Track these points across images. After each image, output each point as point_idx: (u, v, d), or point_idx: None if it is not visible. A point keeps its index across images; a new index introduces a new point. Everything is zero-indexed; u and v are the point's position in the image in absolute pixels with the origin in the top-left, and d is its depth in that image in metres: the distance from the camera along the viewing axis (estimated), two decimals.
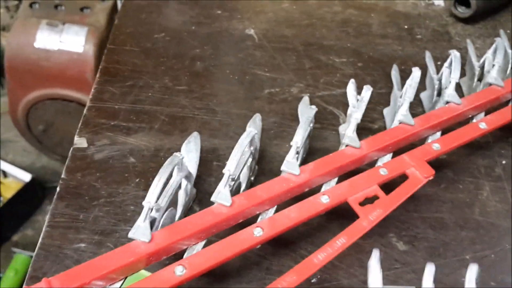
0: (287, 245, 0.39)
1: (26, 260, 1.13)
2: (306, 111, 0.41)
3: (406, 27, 0.64)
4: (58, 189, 0.40)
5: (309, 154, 0.46)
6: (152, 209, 0.32)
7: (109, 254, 0.30)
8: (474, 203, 0.45)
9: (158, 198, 0.32)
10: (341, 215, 0.40)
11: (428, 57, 0.53)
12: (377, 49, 0.59)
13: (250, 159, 0.39)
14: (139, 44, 0.54)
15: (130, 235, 0.31)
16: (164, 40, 0.55)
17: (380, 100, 0.53)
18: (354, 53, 0.58)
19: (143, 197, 0.33)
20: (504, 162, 0.49)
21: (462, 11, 0.67)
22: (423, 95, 0.53)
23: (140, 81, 0.50)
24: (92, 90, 0.48)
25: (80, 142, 0.44)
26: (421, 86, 0.54)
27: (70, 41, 1.52)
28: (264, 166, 0.45)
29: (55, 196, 0.40)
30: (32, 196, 1.42)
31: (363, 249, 0.40)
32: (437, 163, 0.47)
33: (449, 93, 0.44)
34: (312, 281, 0.38)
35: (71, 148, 0.43)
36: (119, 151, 0.44)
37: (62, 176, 0.41)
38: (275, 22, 0.61)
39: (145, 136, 0.45)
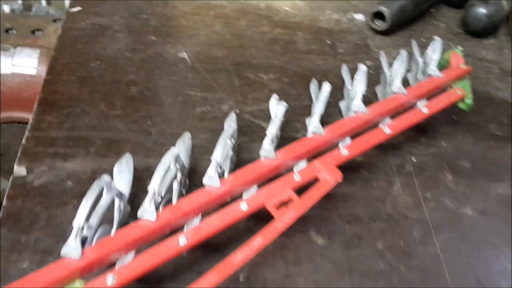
0: (217, 249, 0.44)
1: None
2: (227, 129, 0.45)
3: (329, 42, 0.70)
4: (0, 214, 0.43)
5: (238, 166, 0.50)
6: (83, 228, 0.35)
7: (45, 269, 0.33)
8: (386, 198, 0.50)
9: (88, 218, 0.36)
10: (267, 218, 0.45)
11: (345, 70, 0.58)
12: (301, 65, 0.65)
13: (179, 175, 0.43)
14: (75, 73, 0.57)
15: (62, 253, 0.34)
16: (100, 68, 0.59)
17: (304, 112, 0.58)
18: (280, 70, 0.64)
19: None
20: (413, 159, 0.55)
21: (379, 24, 0.73)
22: (342, 104, 0.58)
23: (76, 109, 0.53)
24: (30, 120, 0.51)
25: (19, 170, 0.46)
26: (341, 96, 0.60)
27: (23, 64, 1.51)
28: (197, 181, 0.49)
29: None
30: None
31: (286, 246, 0.45)
32: (353, 164, 0.53)
33: (356, 103, 0.50)
34: (240, 280, 0.42)
35: (11, 177, 0.46)
36: (57, 176, 0.47)
37: (4, 203, 0.44)
38: (207, 45, 0.66)
39: (82, 160, 0.49)
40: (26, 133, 0.50)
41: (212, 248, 0.43)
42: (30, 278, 0.33)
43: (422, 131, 0.58)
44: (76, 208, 0.45)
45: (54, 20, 1.52)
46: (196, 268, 0.42)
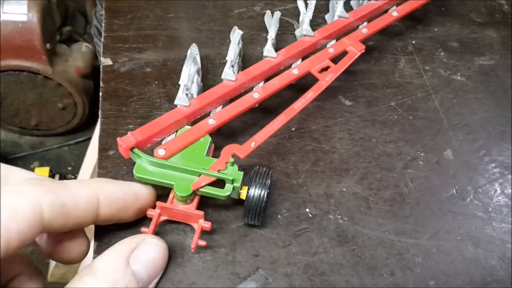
0: (271, 112, 0.56)
1: None
2: (269, 21, 0.57)
3: None
4: (100, 93, 0.54)
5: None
6: (185, 87, 0.47)
7: (166, 115, 0.46)
8: (394, 71, 0.64)
9: (187, 80, 0.48)
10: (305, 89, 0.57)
11: None
12: None
13: (239, 57, 0.55)
14: None
15: (175, 102, 0.46)
16: None
17: (322, 9, 0.69)
18: None
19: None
20: (414, 42, 0.68)
21: None
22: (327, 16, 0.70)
23: (138, 14, 0.63)
24: (103, 24, 0.61)
25: (106, 61, 0.57)
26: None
27: (13, 11, 1.55)
28: (245, 64, 0.61)
29: (100, 99, 0.54)
30: None
31: (322, 107, 0.58)
32: (368, 48, 0.65)
33: (339, 9, 0.62)
34: (292, 129, 0.55)
35: (101, 66, 0.57)
36: (137, 64, 0.58)
37: (101, 85, 0.55)
38: None
39: (153, 52, 0.60)
40: (103, 34, 0.60)
41: (268, 111, 0.56)
42: (154, 122, 0.45)
43: (419, 21, 0.71)
44: (158, 86, 0.57)
45: None
46: (259, 123, 0.55)
